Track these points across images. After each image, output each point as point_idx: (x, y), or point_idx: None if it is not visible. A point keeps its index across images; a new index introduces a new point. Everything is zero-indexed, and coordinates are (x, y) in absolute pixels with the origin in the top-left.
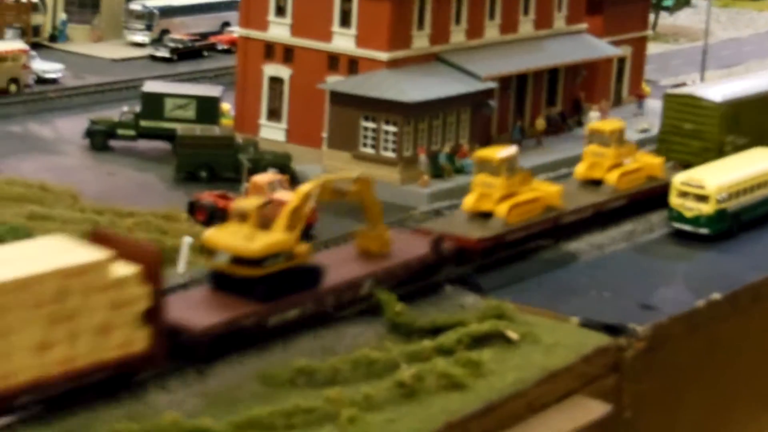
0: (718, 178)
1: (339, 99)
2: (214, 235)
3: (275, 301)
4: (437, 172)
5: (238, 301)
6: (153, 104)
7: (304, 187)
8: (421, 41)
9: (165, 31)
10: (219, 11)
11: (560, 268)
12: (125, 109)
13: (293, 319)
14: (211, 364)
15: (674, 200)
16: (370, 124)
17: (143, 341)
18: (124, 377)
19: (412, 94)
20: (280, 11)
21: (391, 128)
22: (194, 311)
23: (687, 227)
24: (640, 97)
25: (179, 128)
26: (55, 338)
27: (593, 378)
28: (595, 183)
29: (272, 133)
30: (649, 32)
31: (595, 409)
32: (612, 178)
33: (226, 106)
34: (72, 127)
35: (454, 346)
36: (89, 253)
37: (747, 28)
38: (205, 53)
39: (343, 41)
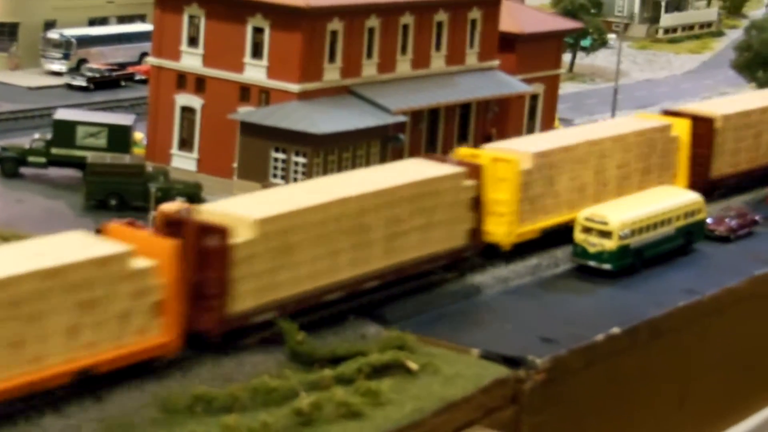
0: (622, 214)
1: (249, 129)
2: None
3: None
4: None
5: None
6: (64, 132)
7: None
8: (332, 74)
9: (83, 60)
10: (138, 41)
11: (464, 300)
12: (36, 136)
13: None
14: (108, 390)
15: (578, 236)
16: (280, 155)
17: None
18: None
19: (322, 125)
20: (193, 41)
21: (301, 159)
22: None
23: (590, 263)
24: None
25: (89, 156)
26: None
27: (492, 409)
28: None
29: (184, 163)
30: (564, 71)
31: None
32: None
33: (139, 135)
34: None
35: (354, 375)
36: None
37: (663, 70)
38: (123, 83)
39: (255, 72)
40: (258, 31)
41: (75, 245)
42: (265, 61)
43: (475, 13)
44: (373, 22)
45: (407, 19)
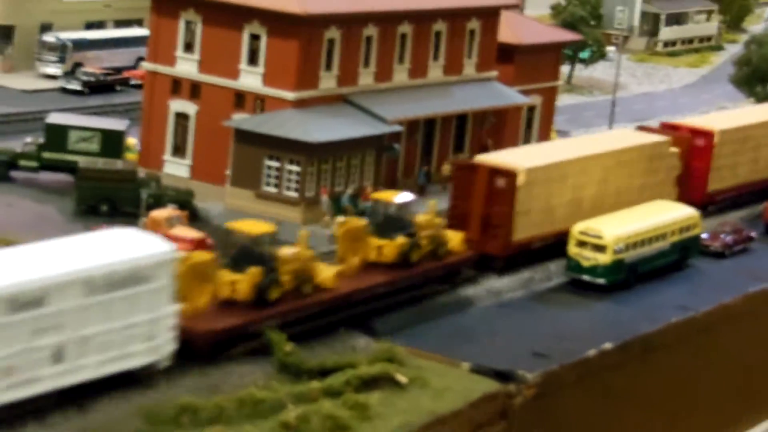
0: (616, 228)
1: (243, 137)
2: None
3: None
4: (339, 214)
5: None
6: (57, 136)
7: None
8: (328, 82)
9: (78, 64)
10: (134, 46)
11: (456, 313)
12: (28, 140)
13: None
14: (92, 399)
15: (572, 249)
16: (274, 163)
17: None
18: None
19: (317, 134)
20: (189, 47)
21: (295, 168)
22: None
23: (584, 277)
24: None
25: (81, 161)
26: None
27: (481, 424)
28: None
29: (176, 169)
30: (561, 83)
31: None
32: None
33: (133, 141)
34: None
35: (343, 388)
36: None
37: (661, 83)
38: (118, 87)
39: (251, 79)
40: (254, 37)
41: None
42: (261, 68)
43: (474, 24)
44: (370, 30)
45: (405, 28)
